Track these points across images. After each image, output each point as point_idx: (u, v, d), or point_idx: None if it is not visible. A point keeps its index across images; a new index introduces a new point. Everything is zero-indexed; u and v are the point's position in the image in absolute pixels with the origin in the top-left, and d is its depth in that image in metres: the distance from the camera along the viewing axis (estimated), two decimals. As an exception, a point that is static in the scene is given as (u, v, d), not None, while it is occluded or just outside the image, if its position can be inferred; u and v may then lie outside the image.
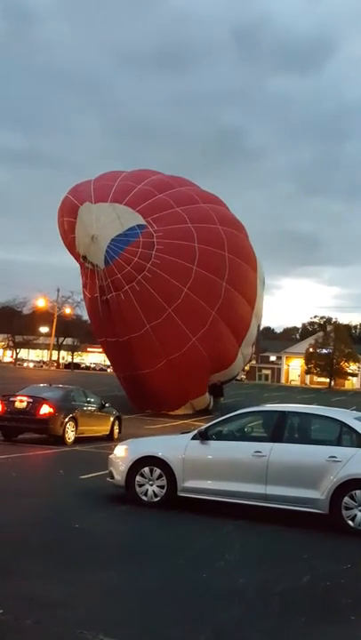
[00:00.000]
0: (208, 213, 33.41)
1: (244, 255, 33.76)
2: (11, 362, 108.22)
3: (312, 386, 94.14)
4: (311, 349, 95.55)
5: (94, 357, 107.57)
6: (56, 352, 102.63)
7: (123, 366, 34.01)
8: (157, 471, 10.36)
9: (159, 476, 10.35)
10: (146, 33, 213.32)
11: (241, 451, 10.14)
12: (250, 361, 41.24)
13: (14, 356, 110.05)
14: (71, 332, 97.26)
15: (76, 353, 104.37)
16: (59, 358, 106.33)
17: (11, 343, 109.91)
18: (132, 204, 31.96)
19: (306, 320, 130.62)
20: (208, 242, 31.99)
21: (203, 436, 10.39)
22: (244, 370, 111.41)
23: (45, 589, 6.15)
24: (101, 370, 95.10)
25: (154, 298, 30.53)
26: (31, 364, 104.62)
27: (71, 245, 32.45)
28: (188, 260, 31.27)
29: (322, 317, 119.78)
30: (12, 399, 18.62)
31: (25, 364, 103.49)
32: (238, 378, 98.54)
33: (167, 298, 30.65)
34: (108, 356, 36.04)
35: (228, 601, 6.28)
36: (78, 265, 32.80)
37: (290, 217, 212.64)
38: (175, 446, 10.62)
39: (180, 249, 31.29)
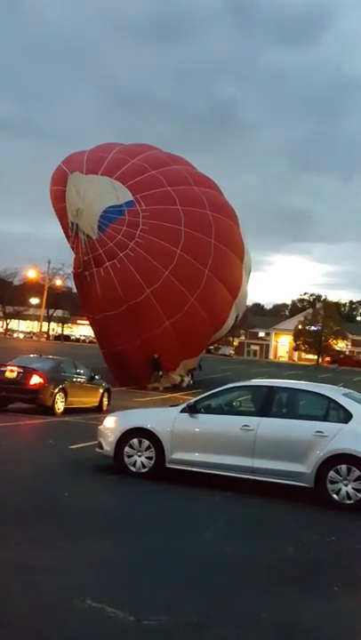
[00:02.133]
0: (199, 197, 32.88)
1: (230, 243, 33.22)
2: (1, 332, 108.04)
3: (300, 362, 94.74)
4: (300, 326, 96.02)
5: (84, 330, 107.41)
6: (46, 324, 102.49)
7: (107, 342, 34.06)
8: (146, 443, 10.46)
9: (147, 448, 10.45)
10: (140, 2, 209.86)
11: (229, 424, 10.24)
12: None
13: (4, 327, 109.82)
14: (61, 304, 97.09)
15: (65, 325, 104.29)
16: (49, 330, 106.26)
17: (1, 314, 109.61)
18: (123, 178, 31.64)
19: (295, 297, 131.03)
20: (195, 227, 31.59)
21: (191, 410, 10.49)
22: (232, 345, 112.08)
23: (35, 556, 6.24)
24: (91, 342, 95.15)
25: (134, 277, 30.35)
26: (21, 335, 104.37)
27: (60, 214, 32.29)
28: (172, 243, 30.97)
29: (311, 295, 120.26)
30: (2, 369, 18.65)
31: (15, 335, 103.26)
32: (227, 353, 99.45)
33: (147, 278, 30.48)
34: (93, 331, 35.91)
35: (214, 570, 6.41)
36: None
37: (283, 193, 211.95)
38: (164, 419, 10.71)
39: (165, 231, 30.96)
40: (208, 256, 31.69)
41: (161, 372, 32.66)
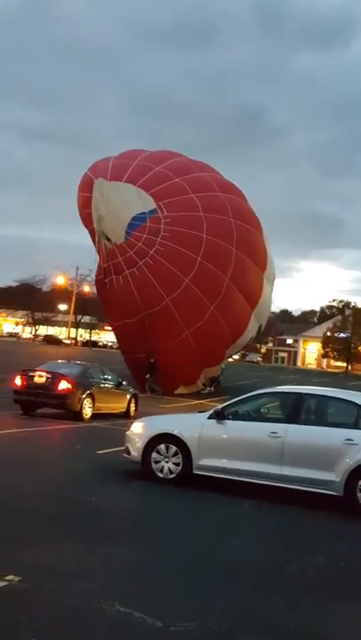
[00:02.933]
0: (223, 204, 32.60)
1: (252, 251, 32.85)
2: (30, 338, 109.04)
3: (328, 370, 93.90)
4: (329, 333, 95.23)
5: (111, 336, 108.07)
6: (74, 330, 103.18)
7: (127, 348, 34.05)
8: (173, 448, 10.44)
9: (175, 454, 10.43)
10: (167, 8, 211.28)
11: (257, 431, 10.18)
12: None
13: (33, 333, 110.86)
14: (89, 309, 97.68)
15: (93, 331, 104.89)
16: (77, 336, 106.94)
17: (30, 320, 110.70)
18: (146, 186, 31.57)
19: (324, 303, 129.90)
20: (217, 234, 31.27)
21: (219, 416, 10.45)
22: (260, 353, 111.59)
23: (62, 560, 6.26)
24: (117, 349, 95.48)
25: (153, 285, 30.22)
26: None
27: (86, 220, 32.47)
28: (192, 251, 30.73)
29: (340, 301, 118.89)
30: (31, 374, 18.80)
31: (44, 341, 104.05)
32: (255, 360, 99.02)
33: (167, 287, 30.33)
34: (116, 338, 35.76)
35: (241, 577, 6.37)
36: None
37: (311, 198, 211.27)
38: (192, 424, 10.69)
39: (186, 238, 30.74)
40: (229, 264, 31.37)
41: (150, 376, 31.92)
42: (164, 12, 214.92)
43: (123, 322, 31.46)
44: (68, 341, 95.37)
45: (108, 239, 30.81)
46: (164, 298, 30.35)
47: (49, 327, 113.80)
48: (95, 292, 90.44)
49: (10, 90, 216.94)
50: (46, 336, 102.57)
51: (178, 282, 30.44)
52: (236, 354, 40.74)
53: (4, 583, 5.40)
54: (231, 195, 34.16)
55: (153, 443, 10.55)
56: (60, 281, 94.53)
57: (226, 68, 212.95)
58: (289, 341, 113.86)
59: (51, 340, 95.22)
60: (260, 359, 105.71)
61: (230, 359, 36.03)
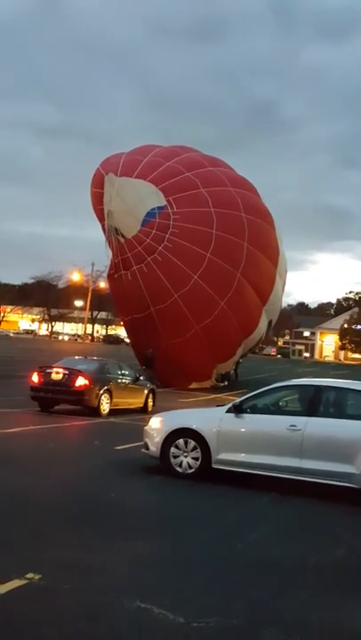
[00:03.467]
0: (234, 199, 32.33)
1: (264, 246, 32.61)
2: (46, 335, 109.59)
3: (346, 362, 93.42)
4: (346, 325, 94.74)
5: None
6: (90, 325, 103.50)
7: (136, 342, 33.99)
8: (192, 443, 10.41)
9: (193, 448, 10.40)
10: (180, 3, 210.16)
11: (276, 424, 10.12)
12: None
13: (50, 329, 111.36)
14: (105, 305, 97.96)
15: (109, 327, 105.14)
16: (93, 332, 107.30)
17: (46, 316, 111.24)
18: (157, 180, 31.45)
19: (341, 296, 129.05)
20: (227, 229, 31.07)
21: (237, 410, 10.39)
22: (277, 346, 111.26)
23: (82, 556, 6.25)
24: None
25: (161, 281, 30.11)
26: (66, 337, 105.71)
27: (99, 216, 32.46)
28: (202, 247, 30.55)
29: (357, 293, 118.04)
30: (48, 371, 18.85)
31: (60, 337, 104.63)
32: (271, 353, 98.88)
33: (175, 283, 30.17)
34: (126, 332, 35.52)
35: (262, 572, 6.32)
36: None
37: (325, 190, 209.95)
38: (210, 419, 10.65)
39: (195, 234, 30.55)
40: (240, 259, 31.13)
41: (147, 369, 31.45)
42: (177, 8, 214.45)
43: (131, 317, 31.47)
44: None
45: (122, 235, 30.80)
46: (173, 294, 30.24)
47: (65, 323, 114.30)
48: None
49: (25, 88, 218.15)
50: (107, 336, 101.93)
51: (187, 278, 30.28)
52: (251, 351, 40.21)
53: (24, 581, 5.40)
54: (243, 190, 33.89)
55: (171, 437, 10.53)
56: (76, 277, 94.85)
57: (239, 63, 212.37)
58: (306, 334, 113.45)
59: (112, 339, 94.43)
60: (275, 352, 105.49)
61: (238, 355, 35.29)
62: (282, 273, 35.43)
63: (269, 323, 36.13)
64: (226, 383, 34.64)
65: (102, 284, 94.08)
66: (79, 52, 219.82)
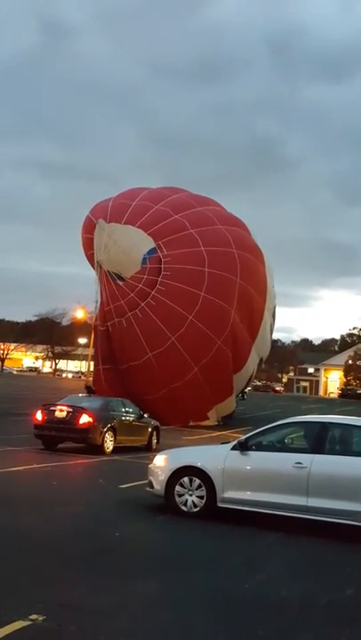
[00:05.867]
0: (224, 236, 32.46)
1: (255, 282, 32.69)
2: (50, 372, 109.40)
3: (351, 399, 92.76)
4: (350, 361, 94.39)
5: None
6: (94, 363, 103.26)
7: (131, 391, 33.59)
8: (197, 481, 10.31)
9: (199, 486, 10.29)
10: (181, 45, 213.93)
11: (281, 462, 10.03)
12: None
13: (53, 367, 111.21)
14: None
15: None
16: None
17: (50, 354, 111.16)
18: (146, 226, 31.52)
19: (344, 332, 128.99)
20: (220, 266, 31.08)
21: (243, 447, 10.32)
22: (281, 383, 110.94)
23: (87, 597, 6.16)
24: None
25: (157, 325, 29.92)
26: (70, 375, 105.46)
27: (91, 261, 32.57)
28: (195, 286, 30.47)
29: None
30: (52, 409, 18.80)
31: (64, 375, 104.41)
32: (277, 389, 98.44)
33: (171, 325, 30.01)
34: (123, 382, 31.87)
35: (270, 613, 6.21)
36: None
37: (328, 226, 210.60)
38: (215, 456, 10.57)
39: (187, 274, 30.53)
40: (233, 295, 31.08)
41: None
42: (179, 49, 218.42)
43: (127, 365, 31.08)
44: None
45: (121, 277, 30.90)
46: (170, 337, 29.98)
47: (69, 361, 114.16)
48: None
49: (30, 127, 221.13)
50: None
51: (182, 319, 30.09)
52: (246, 388, 39.69)
53: (28, 622, 5.31)
54: (233, 227, 33.98)
55: (176, 476, 10.43)
56: (80, 315, 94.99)
57: (240, 102, 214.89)
58: (310, 370, 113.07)
59: None
60: (281, 388, 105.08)
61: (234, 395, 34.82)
62: (270, 309, 35.46)
63: (260, 360, 35.82)
64: (223, 423, 34.16)
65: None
66: (82, 91, 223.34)
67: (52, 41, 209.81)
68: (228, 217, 35.15)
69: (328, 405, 60.89)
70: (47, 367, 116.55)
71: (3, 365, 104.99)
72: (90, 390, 30.45)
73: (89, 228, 31.87)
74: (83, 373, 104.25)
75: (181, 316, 30.13)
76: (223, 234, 32.60)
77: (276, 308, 38.09)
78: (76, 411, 18.49)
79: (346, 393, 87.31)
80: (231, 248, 32.05)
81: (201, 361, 30.39)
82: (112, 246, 30.57)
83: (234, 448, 10.37)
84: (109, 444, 18.66)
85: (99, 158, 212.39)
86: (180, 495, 10.36)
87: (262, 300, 33.63)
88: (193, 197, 35.85)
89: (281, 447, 10.55)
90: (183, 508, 10.31)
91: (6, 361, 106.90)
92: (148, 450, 19.95)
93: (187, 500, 10.33)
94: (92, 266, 32.49)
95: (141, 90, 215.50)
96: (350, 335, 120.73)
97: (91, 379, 38.79)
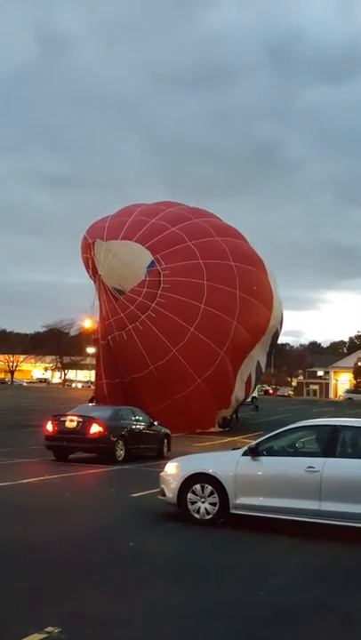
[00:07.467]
0: (222, 248, 32.54)
1: (256, 292, 32.68)
2: (59, 383, 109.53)
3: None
4: (360, 363, 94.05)
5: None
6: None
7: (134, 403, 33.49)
8: (209, 488, 10.28)
9: (211, 493, 10.26)
10: (180, 52, 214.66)
11: (293, 466, 9.99)
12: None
13: (63, 377, 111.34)
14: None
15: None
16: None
17: (59, 364, 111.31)
18: (143, 240, 31.62)
19: (353, 334, 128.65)
20: (218, 279, 31.15)
21: (254, 452, 10.28)
22: (291, 386, 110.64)
23: (102, 608, 6.14)
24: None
25: (157, 338, 29.91)
26: (79, 385, 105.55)
27: (93, 279, 32.59)
28: (195, 299, 30.55)
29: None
30: (62, 419, 18.82)
31: (73, 385, 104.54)
32: (286, 394, 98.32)
33: (172, 338, 30.01)
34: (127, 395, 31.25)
35: (285, 619, 6.18)
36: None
37: (331, 228, 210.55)
38: (226, 463, 10.54)
39: (187, 286, 30.61)
40: (235, 308, 31.14)
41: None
42: (179, 56, 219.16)
43: (130, 377, 31.03)
44: None
45: (122, 290, 30.96)
46: (171, 349, 29.98)
47: (78, 371, 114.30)
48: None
49: (32, 139, 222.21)
50: None
51: (183, 331, 30.11)
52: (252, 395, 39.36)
53: (44, 635, 5.30)
54: (230, 238, 34.00)
55: (188, 483, 10.40)
56: (87, 324, 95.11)
57: (239, 107, 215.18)
58: (320, 373, 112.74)
59: None
60: (291, 392, 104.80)
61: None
62: (277, 316, 35.41)
63: (257, 364, 35.62)
64: (233, 425, 34.11)
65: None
66: (82, 101, 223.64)
67: (52, 52, 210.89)
68: (224, 228, 35.25)
69: (339, 408, 60.69)
70: (57, 378, 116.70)
71: (13, 377, 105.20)
72: (93, 401, 30.54)
73: (86, 248, 31.98)
74: (92, 383, 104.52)
75: (182, 328, 30.19)
76: (220, 246, 32.71)
77: (284, 312, 38.02)
78: (87, 421, 18.50)
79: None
80: (229, 260, 32.17)
81: (205, 373, 30.45)
82: (112, 260, 30.63)
83: (245, 454, 10.34)
84: (120, 453, 18.64)
85: (101, 167, 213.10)
86: (193, 503, 10.33)
87: (268, 309, 33.63)
88: (188, 210, 36.01)
89: (292, 452, 10.52)
90: (196, 515, 10.28)
91: (16, 373, 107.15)
92: (159, 458, 19.91)
93: (199, 508, 10.29)
94: (95, 283, 32.59)
95: (141, 98, 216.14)
96: (359, 337, 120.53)
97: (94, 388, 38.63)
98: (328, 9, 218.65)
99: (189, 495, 10.35)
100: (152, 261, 31.15)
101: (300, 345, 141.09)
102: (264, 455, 10.27)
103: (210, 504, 10.26)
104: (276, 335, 36.95)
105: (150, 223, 32.76)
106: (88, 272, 32.52)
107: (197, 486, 10.34)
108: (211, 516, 10.21)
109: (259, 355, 34.88)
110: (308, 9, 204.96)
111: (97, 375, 34.70)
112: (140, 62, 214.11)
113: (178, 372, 30.09)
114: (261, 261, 34.58)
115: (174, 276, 30.87)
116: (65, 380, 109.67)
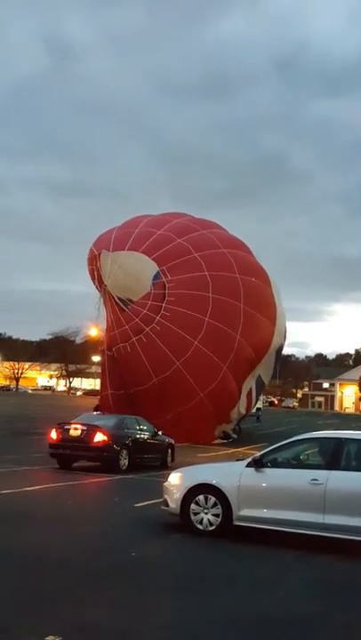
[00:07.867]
0: (227, 260, 32.53)
1: (261, 305, 32.73)
2: (64, 390, 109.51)
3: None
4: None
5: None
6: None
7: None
8: (212, 499, 10.24)
9: (214, 505, 10.22)
10: (187, 63, 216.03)
11: (297, 478, 9.94)
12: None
13: (68, 385, 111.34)
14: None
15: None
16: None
17: (64, 372, 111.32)
18: (149, 251, 31.69)
19: (359, 346, 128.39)
20: (223, 292, 31.14)
21: (258, 464, 10.25)
22: (296, 398, 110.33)
23: (103, 618, 6.12)
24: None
25: (162, 350, 29.94)
26: (78, 393, 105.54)
27: (99, 290, 32.67)
28: (199, 312, 30.53)
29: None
30: (66, 427, 18.81)
31: (78, 393, 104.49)
32: (290, 405, 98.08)
33: (175, 351, 30.02)
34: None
35: (288, 631, 6.15)
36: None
37: (339, 241, 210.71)
38: (230, 474, 10.50)
39: (192, 299, 30.61)
40: (238, 321, 31.12)
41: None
42: (186, 66, 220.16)
43: (135, 389, 30.97)
44: None
45: (129, 300, 31.01)
46: (175, 362, 29.98)
47: (83, 379, 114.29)
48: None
49: (38, 147, 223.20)
50: None
51: (187, 344, 30.10)
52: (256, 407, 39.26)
53: (45, 644, 5.29)
54: (236, 250, 34.01)
55: (191, 494, 10.37)
56: (93, 332, 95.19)
57: (246, 118, 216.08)
58: (325, 385, 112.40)
59: None
60: (296, 404, 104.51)
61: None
62: (281, 330, 35.33)
63: (258, 377, 35.52)
64: (231, 439, 33.90)
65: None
66: (90, 111, 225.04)
67: (60, 62, 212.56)
68: (230, 239, 35.25)
69: (344, 420, 60.47)
70: (62, 385, 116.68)
71: (18, 384, 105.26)
72: (98, 410, 30.53)
73: (92, 260, 32.07)
74: (89, 392, 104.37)
75: (186, 341, 30.17)
76: (226, 258, 32.70)
77: (289, 323, 38.07)
78: (91, 429, 18.48)
79: None
80: (234, 273, 32.16)
81: (208, 387, 30.42)
82: (118, 270, 30.70)
83: (249, 465, 10.30)
84: (124, 462, 18.62)
85: (107, 176, 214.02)
86: (196, 513, 10.30)
87: (271, 323, 33.62)
88: (195, 221, 36.03)
89: (296, 464, 10.46)
90: (199, 526, 10.24)
91: (21, 380, 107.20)
92: (163, 468, 19.86)
93: (202, 519, 10.26)
94: (101, 294, 32.67)
95: (149, 108, 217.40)
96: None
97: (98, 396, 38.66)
98: (336, 21, 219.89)
99: (192, 506, 10.31)
100: (158, 272, 31.18)
101: (306, 356, 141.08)
102: (268, 467, 10.23)
103: (213, 515, 10.22)
104: (280, 349, 36.91)
105: (157, 234, 32.82)
106: (94, 284, 32.61)
107: (201, 497, 10.31)
108: (214, 528, 10.17)
109: (260, 369, 34.84)
110: (315, 21, 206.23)
111: (102, 386, 34.75)
112: (148, 72, 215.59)
113: (181, 386, 30.07)
114: (265, 273, 34.61)
115: (179, 288, 30.89)
116: (70, 388, 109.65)
